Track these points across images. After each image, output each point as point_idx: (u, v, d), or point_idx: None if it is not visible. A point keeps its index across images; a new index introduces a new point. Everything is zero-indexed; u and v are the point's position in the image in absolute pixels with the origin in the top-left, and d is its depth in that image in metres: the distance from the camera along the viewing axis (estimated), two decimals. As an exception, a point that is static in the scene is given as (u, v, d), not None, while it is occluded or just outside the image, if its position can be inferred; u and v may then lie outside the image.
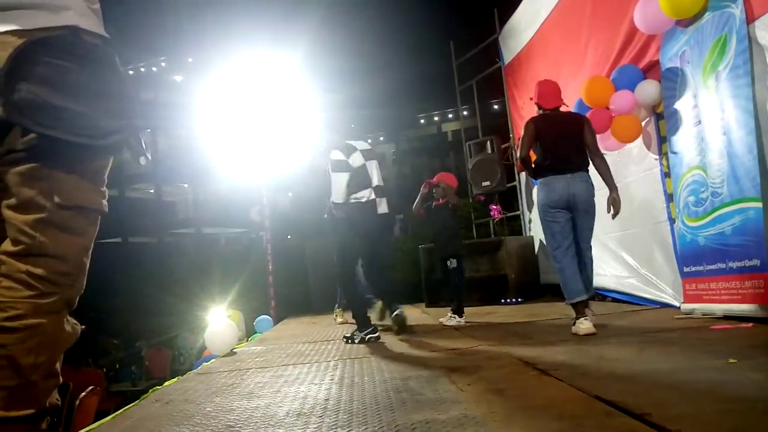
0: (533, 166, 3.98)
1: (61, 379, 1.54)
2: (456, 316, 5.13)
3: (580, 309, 3.66)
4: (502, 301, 6.85)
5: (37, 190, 1.44)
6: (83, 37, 1.50)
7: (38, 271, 1.45)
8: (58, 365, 1.52)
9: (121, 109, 1.56)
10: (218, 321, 4.80)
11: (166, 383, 3.38)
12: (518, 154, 4.17)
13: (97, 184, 1.58)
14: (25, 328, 1.41)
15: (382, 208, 4.42)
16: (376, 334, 4.24)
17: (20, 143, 1.41)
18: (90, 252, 1.61)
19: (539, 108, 4.07)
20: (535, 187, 4.27)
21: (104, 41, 1.58)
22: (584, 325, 3.56)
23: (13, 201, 1.45)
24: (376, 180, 4.40)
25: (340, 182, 4.23)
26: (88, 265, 1.60)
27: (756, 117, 3.31)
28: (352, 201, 4.31)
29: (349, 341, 4.29)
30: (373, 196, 4.37)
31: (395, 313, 4.46)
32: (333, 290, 6.42)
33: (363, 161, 4.36)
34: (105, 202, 1.61)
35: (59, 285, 1.49)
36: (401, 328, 4.45)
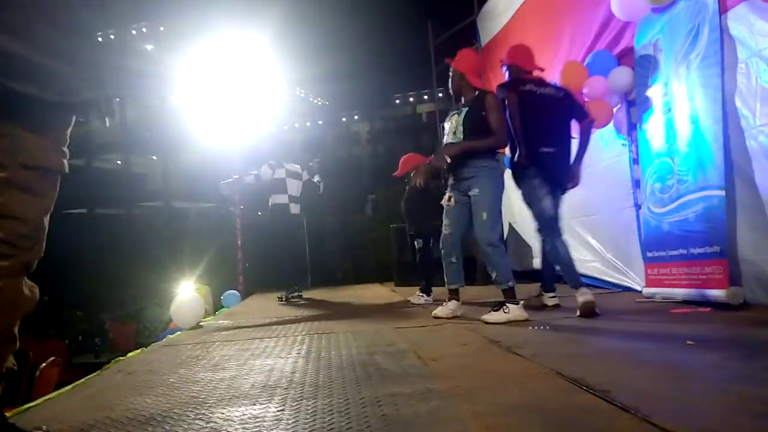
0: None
1: (18, 345, 1.50)
2: (424, 295, 5.17)
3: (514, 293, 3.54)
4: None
5: None
6: None
7: None
8: (15, 329, 1.48)
9: (92, 72, 1.51)
10: (185, 294, 4.74)
11: (130, 354, 3.33)
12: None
13: (59, 144, 1.52)
14: None
15: (294, 210, 6.34)
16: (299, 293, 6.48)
17: None
18: (49, 214, 1.54)
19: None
20: (488, 161, 3.68)
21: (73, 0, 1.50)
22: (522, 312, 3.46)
23: None
24: (290, 191, 6.31)
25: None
26: (47, 228, 1.54)
27: (724, 107, 3.38)
28: (273, 203, 6.30)
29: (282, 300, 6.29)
30: (287, 201, 6.28)
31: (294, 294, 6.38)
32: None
33: (284, 176, 6.30)
34: (66, 162, 1.55)
35: (18, 248, 1.43)
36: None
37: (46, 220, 1.53)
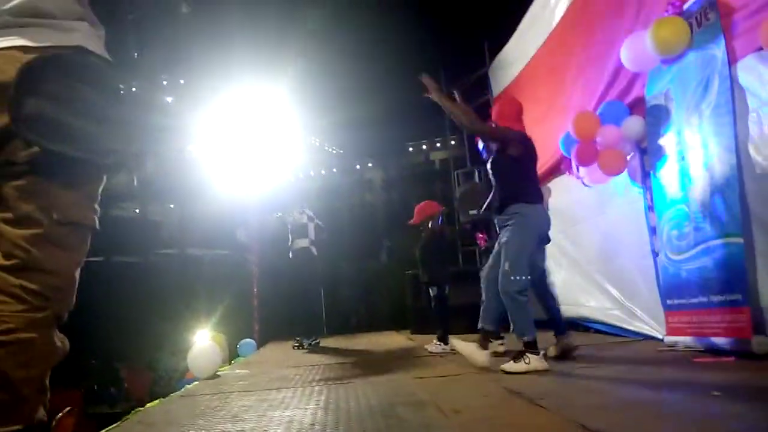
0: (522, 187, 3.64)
1: (49, 395, 1.53)
2: (441, 344, 5.13)
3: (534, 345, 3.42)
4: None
5: (35, 206, 1.44)
6: (91, 58, 1.54)
7: (32, 285, 1.44)
8: (47, 380, 1.51)
9: (122, 131, 1.59)
10: (202, 343, 4.75)
11: (149, 405, 3.33)
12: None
13: (92, 201, 1.60)
14: (17, 342, 1.40)
15: (314, 252, 6.68)
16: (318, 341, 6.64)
17: (21, 156, 1.42)
18: (80, 268, 1.60)
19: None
20: (519, 208, 3.56)
21: (109, 65, 1.62)
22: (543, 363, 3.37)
23: (9, 215, 1.44)
24: (310, 235, 6.69)
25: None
26: (77, 282, 1.59)
27: (737, 154, 3.41)
28: (297, 247, 6.60)
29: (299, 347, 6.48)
30: (308, 245, 6.64)
31: (312, 343, 6.53)
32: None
33: (306, 221, 6.70)
34: (97, 219, 1.61)
35: (51, 300, 1.48)
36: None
37: (77, 273, 1.59)
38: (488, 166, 3.87)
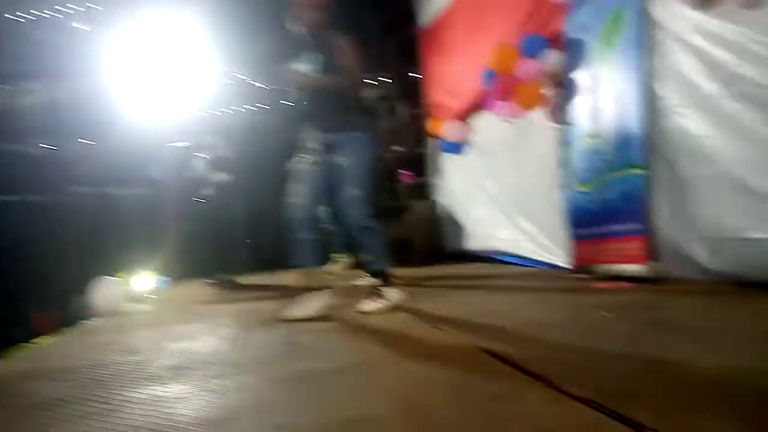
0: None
1: None
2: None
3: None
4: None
5: None
6: None
7: None
8: None
9: None
10: (106, 282, 4.55)
11: (42, 340, 3.16)
12: None
13: None
14: None
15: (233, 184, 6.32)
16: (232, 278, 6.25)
17: None
18: None
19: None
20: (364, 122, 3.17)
21: None
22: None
23: None
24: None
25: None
26: None
27: (644, 89, 3.47)
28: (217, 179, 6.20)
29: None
30: (228, 178, 6.25)
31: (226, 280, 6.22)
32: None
33: (228, 155, 6.34)
34: None
35: None
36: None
37: None
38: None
